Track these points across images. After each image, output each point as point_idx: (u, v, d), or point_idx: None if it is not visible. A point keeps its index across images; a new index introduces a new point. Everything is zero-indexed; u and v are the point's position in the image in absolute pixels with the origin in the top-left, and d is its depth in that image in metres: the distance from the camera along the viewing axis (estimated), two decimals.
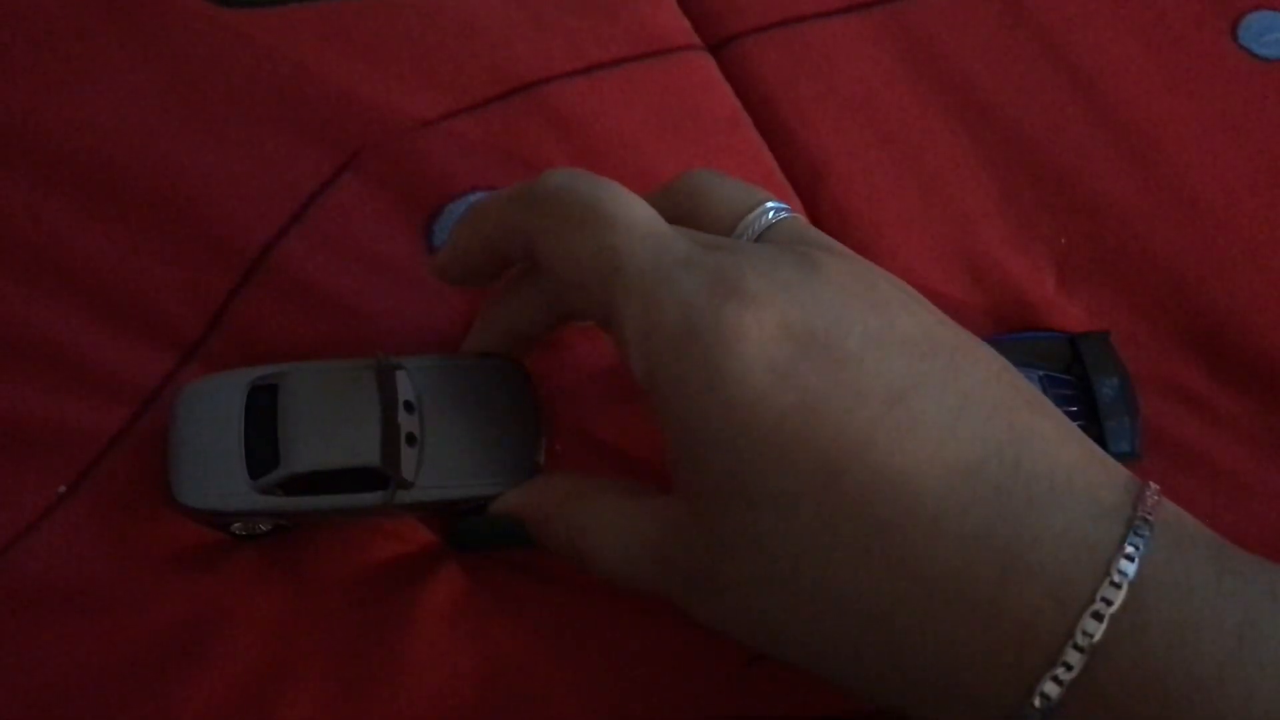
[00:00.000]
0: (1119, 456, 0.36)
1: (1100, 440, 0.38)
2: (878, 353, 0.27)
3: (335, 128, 0.41)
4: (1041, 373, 0.40)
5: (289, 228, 0.39)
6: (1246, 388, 0.41)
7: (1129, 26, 0.47)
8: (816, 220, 0.43)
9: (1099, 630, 0.25)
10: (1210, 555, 0.27)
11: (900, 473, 0.27)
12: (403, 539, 0.36)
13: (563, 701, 0.34)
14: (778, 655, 0.30)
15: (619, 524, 0.31)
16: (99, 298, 0.37)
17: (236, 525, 0.34)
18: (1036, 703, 0.26)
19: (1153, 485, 0.28)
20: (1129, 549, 0.26)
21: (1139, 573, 0.26)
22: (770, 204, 0.32)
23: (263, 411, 0.33)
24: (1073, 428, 0.29)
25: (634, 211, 0.29)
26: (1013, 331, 0.42)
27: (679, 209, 0.32)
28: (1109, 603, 0.26)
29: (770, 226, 0.32)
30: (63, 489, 0.34)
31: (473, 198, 0.40)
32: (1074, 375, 0.40)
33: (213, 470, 0.33)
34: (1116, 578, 0.26)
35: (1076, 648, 0.26)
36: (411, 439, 0.33)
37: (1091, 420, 0.39)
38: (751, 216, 0.32)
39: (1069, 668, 0.26)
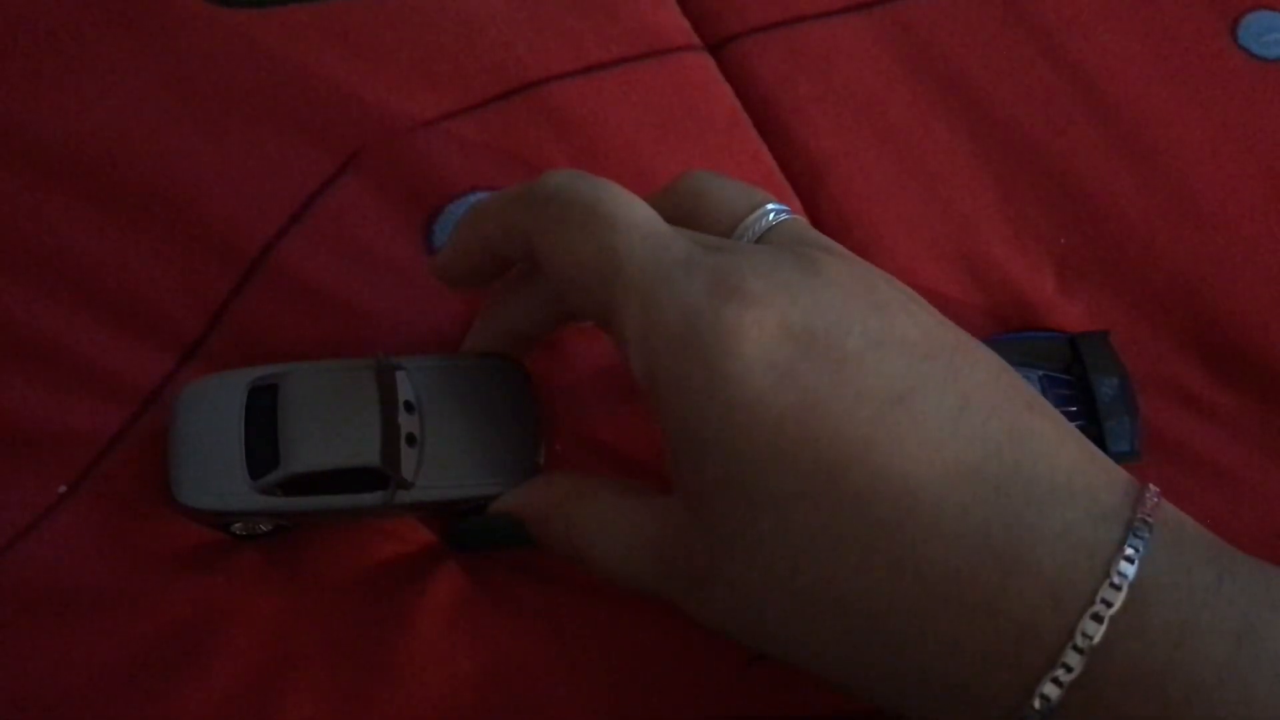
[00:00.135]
0: (1119, 456, 0.36)
1: (1100, 440, 0.38)
2: (877, 354, 0.27)
3: (335, 128, 0.41)
4: (1041, 373, 0.40)
5: (289, 228, 0.39)
6: (1246, 387, 0.41)
7: (1129, 26, 0.47)
8: (816, 220, 0.43)
9: (1098, 632, 0.25)
10: (1210, 557, 0.27)
11: (900, 473, 0.27)
12: (403, 539, 0.36)
13: (562, 701, 0.34)
14: (778, 655, 0.30)
15: (619, 524, 0.31)
16: (99, 298, 0.37)
17: (237, 525, 0.34)
18: (1036, 704, 0.26)
19: (1152, 487, 0.28)
20: (1128, 551, 0.26)
21: (1138, 574, 0.26)
22: (770, 205, 0.32)
23: (263, 411, 0.33)
24: (1072, 429, 0.29)
25: (634, 212, 0.29)
26: (1012, 331, 0.42)
27: (679, 210, 0.32)
28: (1108, 604, 0.26)
29: (770, 228, 0.32)
30: (63, 489, 0.34)
31: (473, 198, 0.40)
32: (1074, 375, 0.40)
33: (213, 470, 0.33)
34: (1116, 579, 0.26)
35: (1076, 649, 0.26)
36: (411, 439, 0.33)
37: (1091, 420, 0.39)
38: (751, 218, 0.32)
39: (1068, 669, 0.26)
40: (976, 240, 0.43)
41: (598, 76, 0.44)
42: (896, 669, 0.28)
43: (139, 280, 0.37)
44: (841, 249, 0.32)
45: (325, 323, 0.37)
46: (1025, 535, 0.26)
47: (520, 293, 0.35)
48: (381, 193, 0.40)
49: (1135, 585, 0.26)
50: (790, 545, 0.27)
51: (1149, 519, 0.27)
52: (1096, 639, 0.25)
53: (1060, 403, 0.39)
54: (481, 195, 0.40)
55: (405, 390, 0.34)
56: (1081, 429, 0.30)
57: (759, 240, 0.32)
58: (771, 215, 0.32)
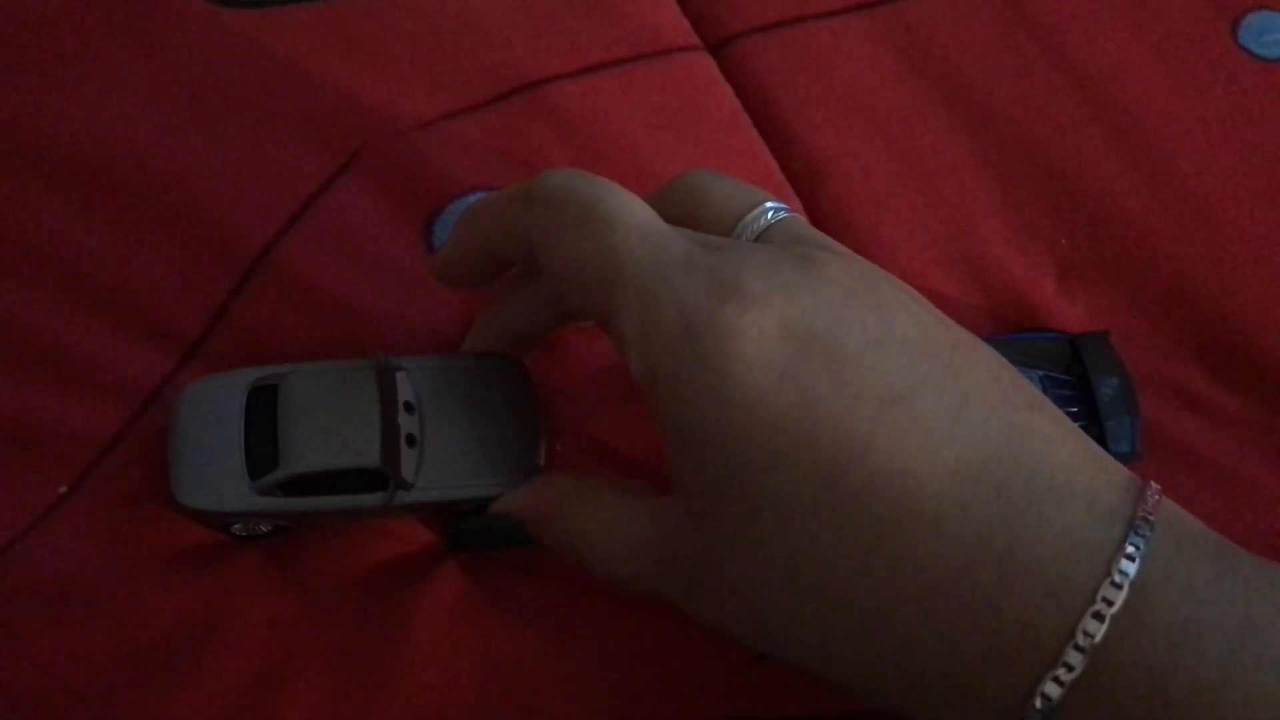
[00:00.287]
0: (1119, 457, 0.36)
1: (1100, 440, 0.38)
2: (877, 353, 0.27)
3: (335, 128, 0.41)
4: (1041, 373, 0.40)
5: (289, 228, 0.39)
6: (1246, 388, 0.41)
7: (1129, 26, 0.47)
8: (816, 220, 0.43)
9: (1100, 631, 0.25)
10: (1211, 555, 0.27)
11: (900, 473, 0.26)
12: (403, 539, 0.36)
13: (563, 701, 0.34)
14: (778, 655, 0.30)
15: (618, 524, 0.31)
16: (99, 298, 0.37)
17: (236, 526, 0.34)
18: (1037, 703, 0.26)
19: (1153, 485, 0.28)
20: (1129, 549, 0.26)
21: (1140, 573, 0.26)
22: (769, 204, 0.32)
23: (263, 412, 0.33)
24: (1073, 428, 0.29)
25: (633, 212, 0.29)
26: (1013, 331, 0.42)
27: (678, 209, 0.32)
28: (1110, 603, 0.25)
29: (769, 226, 0.32)
30: (64, 489, 0.34)
31: (473, 198, 0.40)
32: (1074, 375, 0.40)
33: (213, 471, 0.33)
34: (1117, 578, 0.26)
35: (1077, 648, 0.26)
36: (411, 440, 0.33)
37: (1092, 420, 0.39)
38: (750, 216, 0.32)
39: (1070, 668, 0.26)
40: (977, 240, 0.43)
41: (598, 77, 0.44)
42: (897, 669, 0.28)
43: (139, 280, 0.37)
44: (841, 248, 0.31)
45: (325, 323, 0.37)
46: (1026, 534, 0.26)
47: (520, 293, 0.35)
48: (382, 193, 0.40)
49: (1136, 584, 0.26)
50: (790, 545, 0.27)
51: (1150, 517, 0.27)
52: (1098, 638, 0.25)
53: (1061, 403, 0.39)
54: (481, 195, 0.40)
55: (405, 391, 0.34)
56: (1082, 429, 0.30)
57: (758, 239, 0.32)
58: (770, 214, 0.32)
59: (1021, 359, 0.40)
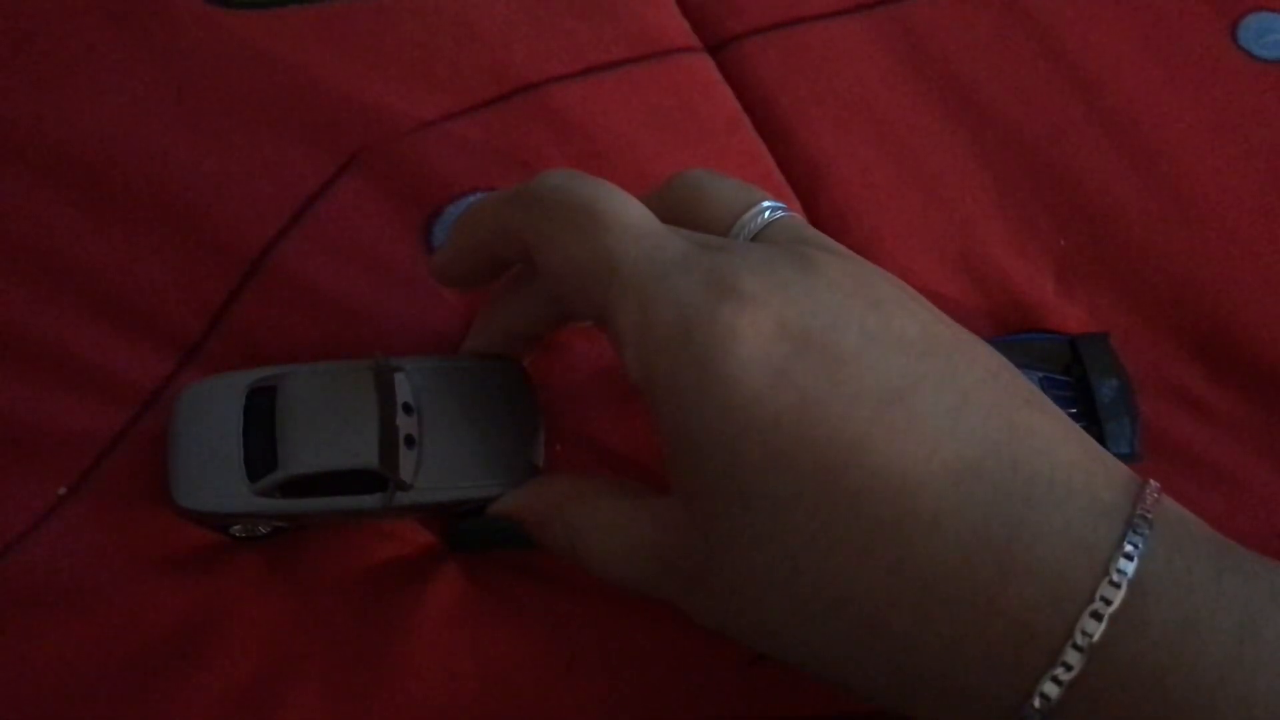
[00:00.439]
0: (1118, 458, 0.36)
1: (1100, 441, 0.38)
2: (875, 352, 0.27)
3: (334, 129, 0.41)
4: (1041, 374, 0.40)
5: (288, 229, 0.39)
6: (1246, 389, 0.41)
7: (1129, 28, 0.47)
8: (815, 221, 0.43)
9: (1098, 630, 0.25)
10: (1211, 554, 0.27)
11: (898, 472, 0.26)
12: (402, 540, 0.36)
13: (562, 702, 0.34)
14: (777, 655, 0.30)
15: (617, 525, 0.31)
16: (98, 299, 0.37)
17: (236, 527, 0.34)
18: (1036, 703, 0.26)
19: (1153, 483, 0.28)
20: (1128, 548, 0.26)
21: (1138, 572, 0.26)
22: (767, 203, 0.32)
23: (261, 414, 0.33)
24: (1072, 426, 0.29)
25: (630, 212, 0.29)
26: (1012, 333, 0.42)
27: (675, 209, 0.32)
28: (1108, 602, 0.25)
29: (767, 226, 0.32)
30: (63, 490, 0.34)
31: (472, 199, 0.40)
32: (1073, 377, 0.40)
33: (212, 472, 0.33)
34: (1116, 577, 0.26)
35: (1076, 647, 0.25)
36: (410, 441, 0.33)
37: (1091, 421, 0.39)
38: (748, 216, 0.32)
39: (1068, 667, 0.26)
40: (976, 241, 0.43)
41: (597, 78, 0.44)
42: (896, 668, 0.28)
43: (138, 282, 0.37)
44: (839, 247, 0.31)
45: (325, 324, 0.37)
46: (1024, 533, 0.26)
47: (518, 293, 0.35)
48: (381, 194, 0.40)
49: (1135, 583, 0.26)
50: (788, 546, 0.27)
51: (1149, 515, 0.27)
52: (1096, 637, 0.25)
53: (1060, 404, 0.38)
54: (481, 196, 0.40)
55: (404, 392, 0.34)
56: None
57: (755, 238, 0.32)
58: (768, 213, 0.32)
59: (1021, 360, 0.40)
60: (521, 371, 0.36)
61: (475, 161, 0.41)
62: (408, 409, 0.34)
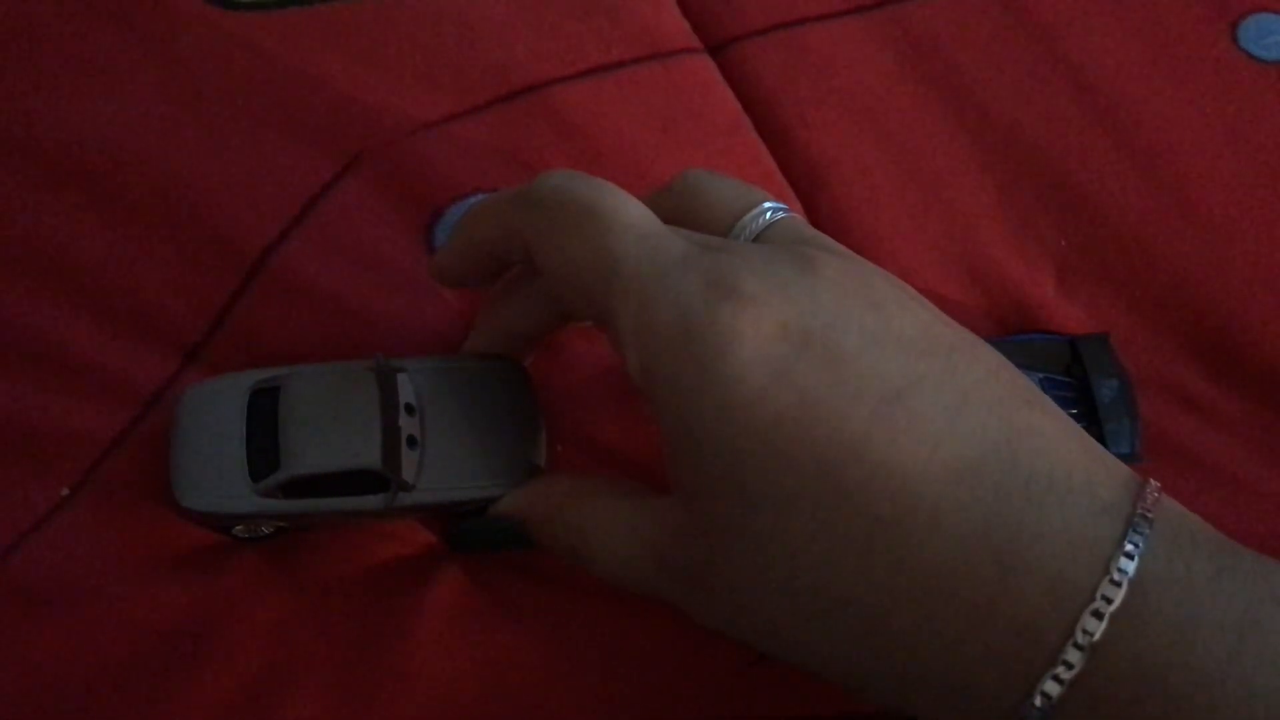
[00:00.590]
0: (1119, 459, 0.36)
1: (1100, 442, 0.38)
2: (875, 351, 0.27)
3: (336, 130, 0.41)
4: (1041, 375, 0.40)
5: (290, 230, 0.39)
6: (1246, 389, 0.41)
7: (1129, 29, 0.47)
8: (816, 223, 0.43)
9: (1099, 629, 0.25)
10: (1211, 552, 0.27)
11: (898, 472, 0.26)
12: (404, 541, 0.36)
13: (563, 702, 0.34)
14: (778, 655, 0.30)
15: (618, 526, 0.31)
16: (101, 300, 0.37)
17: (238, 528, 0.34)
18: (1037, 702, 0.26)
19: (1153, 482, 0.28)
20: (1129, 546, 0.26)
21: (1139, 570, 0.26)
22: (767, 204, 0.32)
23: (264, 414, 0.33)
24: (1072, 425, 0.29)
25: (630, 212, 0.29)
26: (1012, 333, 0.42)
27: (676, 209, 0.32)
28: (1109, 601, 0.25)
29: (768, 226, 0.32)
30: (66, 491, 0.34)
31: (474, 200, 0.40)
32: (1074, 377, 0.40)
33: (214, 473, 0.33)
34: (1116, 575, 0.26)
35: (1077, 646, 0.25)
36: (412, 441, 0.33)
37: (1091, 422, 0.39)
38: (749, 216, 0.32)
39: (1070, 666, 0.26)
40: (976, 242, 0.43)
41: (599, 79, 0.44)
42: (897, 667, 0.28)
43: (141, 283, 0.37)
44: (839, 247, 0.31)
45: (327, 325, 0.37)
46: (1025, 532, 0.26)
47: (519, 293, 0.35)
48: (383, 195, 0.40)
49: (1135, 581, 0.26)
50: (789, 545, 0.27)
51: (1149, 514, 0.27)
52: (1097, 636, 0.25)
53: (1060, 405, 0.39)
54: (483, 197, 0.40)
55: (406, 392, 0.34)
56: None
57: (756, 239, 0.32)
58: (768, 214, 0.32)
59: (1021, 361, 0.39)
60: (522, 372, 0.36)
61: (477, 162, 0.41)
62: (409, 409, 0.34)
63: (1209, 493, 0.39)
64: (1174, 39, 0.47)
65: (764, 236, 0.32)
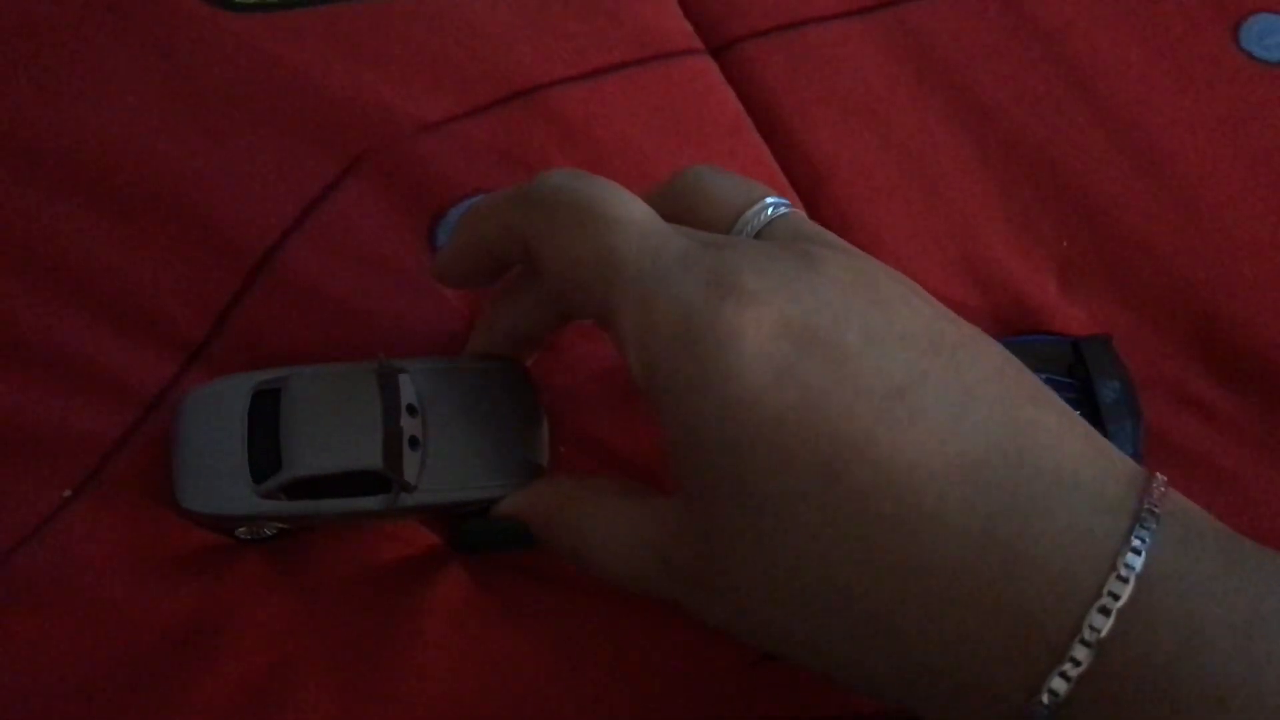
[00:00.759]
0: None
1: None
2: (878, 349, 0.27)
3: (338, 131, 0.41)
4: (1043, 376, 0.40)
5: (292, 231, 0.39)
6: (1248, 390, 0.41)
7: (1131, 30, 0.47)
8: (818, 223, 0.42)
9: (1106, 625, 0.25)
10: (1218, 548, 0.27)
11: (902, 469, 0.26)
12: (406, 542, 0.36)
13: (566, 703, 0.33)
14: (782, 654, 0.30)
15: (621, 526, 0.31)
16: (103, 301, 0.37)
17: (240, 529, 0.34)
18: (1044, 698, 0.26)
19: (1159, 477, 0.27)
20: (1135, 542, 0.26)
21: (1145, 566, 0.26)
22: (770, 200, 0.32)
23: (266, 416, 0.33)
24: (1078, 421, 0.29)
25: (631, 210, 0.29)
26: (1014, 334, 0.42)
27: (677, 207, 0.32)
28: (1115, 597, 0.25)
29: (770, 223, 0.32)
30: (68, 493, 0.34)
31: (475, 201, 0.40)
32: (1076, 379, 0.40)
33: (216, 475, 0.33)
34: (1123, 571, 0.25)
35: (1084, 643, 0.25)
36: (414, 442, 0.33)
37: (1094, 424, 0.39)
38: (750, 213, 0.32)
39: (1076, 663, 0.25)
40: (978, 243, 0.43)
41: (600, 81, 0.44)
42: (903, 666, 0.28)
43: (143, 284, 0.37)
44: (842, 243, 0.31)
45: (329, 326, 0.37)
46: (1030, 529, 0.26)
47: (520, 293, 0.35)
48: (385, 196, 0.40)
49: (1142, 577, 0.25)
50: (792, 544, 0.27)
51: (1155, 509, 0.26)
52: (1104, 632, 0.25)
53: None
54: (483, 197, 0.40)
55: (408, 393, 0.34)
56: None
57: (758, 235, 0.32)
58: (770, 210, 0.32)
59: (1023, 362, 0.40)
60: (524, 372, 0.36)
61: (478, 163, 0.41)
62: (411, 410, 0.34)
63: (1212, 494, 0.39)
64: (1176, 40, 0.47)
65: (766, 233, 0.32)
